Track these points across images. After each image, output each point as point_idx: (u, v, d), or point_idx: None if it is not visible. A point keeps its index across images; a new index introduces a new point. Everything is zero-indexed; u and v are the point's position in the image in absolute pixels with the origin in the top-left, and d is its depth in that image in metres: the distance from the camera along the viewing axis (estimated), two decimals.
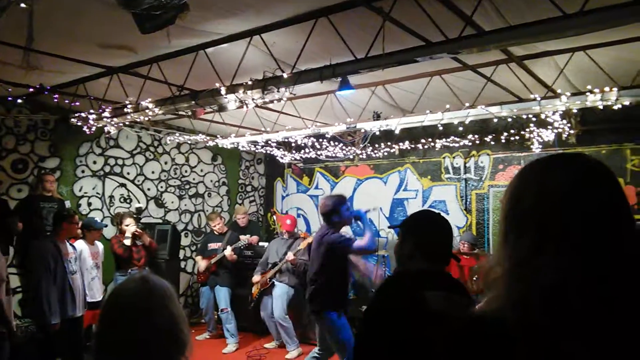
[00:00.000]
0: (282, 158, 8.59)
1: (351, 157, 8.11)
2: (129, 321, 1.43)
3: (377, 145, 7.54)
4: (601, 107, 4.67)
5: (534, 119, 5.78)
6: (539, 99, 4.84)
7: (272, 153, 8.41)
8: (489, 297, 0.90)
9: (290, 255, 6.50)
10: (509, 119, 5.82)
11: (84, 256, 5.59)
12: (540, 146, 6.48)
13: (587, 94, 4.63)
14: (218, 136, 7.45)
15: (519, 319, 0.82)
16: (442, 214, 2.57)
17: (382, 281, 2.46)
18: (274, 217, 9.61)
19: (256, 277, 6.84)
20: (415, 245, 2.22)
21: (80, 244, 5.55)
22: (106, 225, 6.51)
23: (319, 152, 7.86)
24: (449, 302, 1.93)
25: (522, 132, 6.49)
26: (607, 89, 4.56)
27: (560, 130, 5.95)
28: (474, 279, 5.95)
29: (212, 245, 7.30)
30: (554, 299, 0.80)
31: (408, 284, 2.13)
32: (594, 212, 0.83)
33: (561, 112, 5.28)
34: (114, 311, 1.49)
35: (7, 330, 4.05)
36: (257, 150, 8.43)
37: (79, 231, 5.51)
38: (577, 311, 0.79)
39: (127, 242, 6.13)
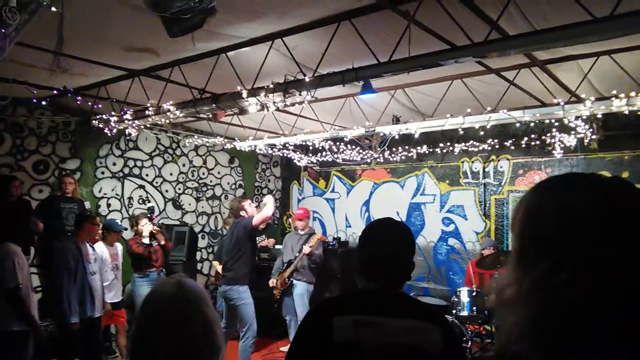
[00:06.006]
0: (299, 161, 8.59)
1: (368, 160, 8.08)
2: (166, 326, 1.42)
3: (394, 149, 7.50)
4: (627, 112, 4.59)
5: (556, 124, 5.70)
6: (562, 103, 4.77)
7: (289, 156, 8.41)
8: (507, 323, 0.82)
9: (306, 249, 6.48)
10: (531, 124, 5.75)
11: (103, 257, 5.64)
12: (562, 151, 6.39)
13: (613, 98, 4.56)
14: (236, 139, 7.47)
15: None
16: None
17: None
18: (290, 219, 9.59)
19: (272, 281, 6.80)
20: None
21: (99, 246, 5.60)
22: (126, 229, 6.57)
23: (336, 156, 7.84)
24: (362, 330, 1.69)
25: (543, 137, 6.41)
26: (632, 93, 4.48)
27: (582, 135, 5.87)
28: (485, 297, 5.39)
29: None
30: (575, 322, 0.76)
31: (328, 308, 1.91)
32: (615, 234, 0.78)
33: (584, 117, 5.21)
34: (150, 315, 1.48)
35: (32, 329, 4.08)
36: (274, 153, 8.44)
37: (100, 232, 5.55)
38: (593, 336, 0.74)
39: (146, 240, 6.18)
